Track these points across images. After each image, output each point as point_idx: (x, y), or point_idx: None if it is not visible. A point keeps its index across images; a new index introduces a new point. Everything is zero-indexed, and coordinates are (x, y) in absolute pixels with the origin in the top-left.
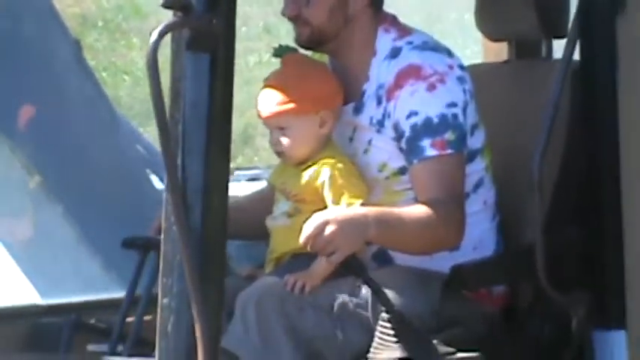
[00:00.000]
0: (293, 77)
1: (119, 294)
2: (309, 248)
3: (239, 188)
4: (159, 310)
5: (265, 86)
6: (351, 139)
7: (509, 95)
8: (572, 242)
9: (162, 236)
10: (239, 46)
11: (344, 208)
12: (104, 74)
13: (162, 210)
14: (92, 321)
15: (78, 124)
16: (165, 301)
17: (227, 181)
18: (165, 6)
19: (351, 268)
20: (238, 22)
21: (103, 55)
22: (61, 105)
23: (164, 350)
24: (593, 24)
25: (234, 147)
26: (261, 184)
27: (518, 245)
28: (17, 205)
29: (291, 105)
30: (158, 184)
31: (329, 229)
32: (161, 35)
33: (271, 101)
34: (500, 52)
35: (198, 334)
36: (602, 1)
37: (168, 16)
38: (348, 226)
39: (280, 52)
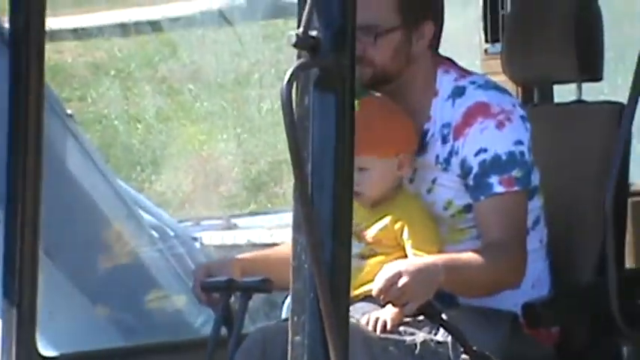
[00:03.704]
0: (375, 119)
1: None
2: (381, 300)
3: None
4: (289, 348)
5: None
6: (411, 180)
7: (545, 138)
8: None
9: (290, 275)
10: (252, 93)
11: (414, 258)
12: (116, 122)
13: (291, 249)
14: None
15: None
16: (298, 339)
17: (352, 216)
18: (295, 46)
19: (426, 315)
20: (251, 69)
21: (116, 103)
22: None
23: None
24: None
25: (247, 194)
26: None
27: (572, 284)
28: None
29: (375, 146)
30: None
31: (402, 281)
32: (295, 75)
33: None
34: None
35: None
36: None
37: (179, 63)
38: (419, 276)
39: (358, 94)
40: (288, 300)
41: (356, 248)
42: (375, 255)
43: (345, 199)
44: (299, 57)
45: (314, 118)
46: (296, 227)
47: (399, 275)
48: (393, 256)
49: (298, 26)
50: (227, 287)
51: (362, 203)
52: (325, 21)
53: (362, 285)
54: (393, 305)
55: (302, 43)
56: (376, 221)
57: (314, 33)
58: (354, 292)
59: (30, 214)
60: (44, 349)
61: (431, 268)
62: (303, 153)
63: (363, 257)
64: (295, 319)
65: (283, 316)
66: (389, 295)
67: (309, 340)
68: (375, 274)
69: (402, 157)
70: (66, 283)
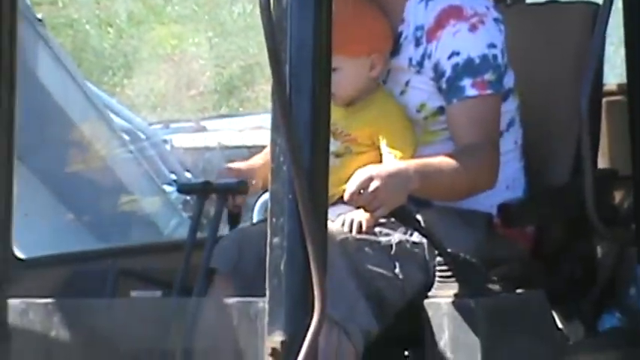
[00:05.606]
0: (348, 17)
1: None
2: (354, 204)
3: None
4: (268, 249)
5: None
6: (384, 82)
7: (518, 39)
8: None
9: (269, 177)
10: None
11: (388, 163)
12: (87, 26)
13: (270, 151)
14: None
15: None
16: (277, 240)
17: (329, 118)
18: None
19: (399, 218)
20: None
21: (87, 7)
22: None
23: (276, 289)
24: None
25: (218, 97)
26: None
27: (547, 185)
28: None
29: (346, 45)
30: None
31: (373, 185)
32: None
33: None
34: None
35: (314, 271)
36: None
37: None
38: (391, 181)
39: None
40: (260, 202)
41: (332, 147)
42: (350, 153)
43: (323, 100)
44: None
45: (292, 19)
46: (274, 129)
47: (371, 179)
48: (367, 155)
49: None
50: (203, 189)
51: (334, 102)
52: None
53: (337, 185)
54: (365, 210)
55: None
56: (352, 120)
57: None
58: (332, 191)
59: (4, 119)
60: (20, 252)
61: (403, 173)
62: (281, 54)
63: (338, 155)
64: (274, 220)
65: (255, 218)
66: (360, 199)
67: (287, 241)
68: (351, 173)
69: (375, 58)
70: (39, 187)
